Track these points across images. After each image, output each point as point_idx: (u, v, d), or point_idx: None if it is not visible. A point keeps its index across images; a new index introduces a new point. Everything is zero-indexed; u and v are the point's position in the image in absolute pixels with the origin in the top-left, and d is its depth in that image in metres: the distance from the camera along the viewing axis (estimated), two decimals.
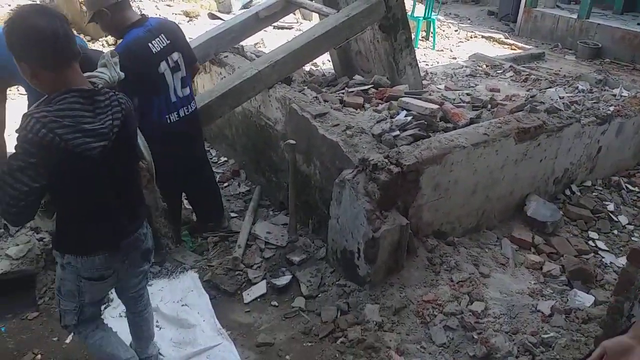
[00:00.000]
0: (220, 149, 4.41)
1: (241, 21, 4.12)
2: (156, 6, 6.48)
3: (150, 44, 2.60)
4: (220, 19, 6.25)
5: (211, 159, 4.31)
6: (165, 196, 2.99)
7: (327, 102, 3.55)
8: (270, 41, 5.46)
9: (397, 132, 3.06)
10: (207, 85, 4.29)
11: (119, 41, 2.66)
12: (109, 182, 1.77)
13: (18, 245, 2.87)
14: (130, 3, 2.72)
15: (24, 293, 2.77)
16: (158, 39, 2.63)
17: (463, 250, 2.97)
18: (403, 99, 3.48)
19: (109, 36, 5.36)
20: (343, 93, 3.89)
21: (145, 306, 2.24)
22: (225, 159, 4.28)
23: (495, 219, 3.30)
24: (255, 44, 5.24)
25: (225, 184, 3.93)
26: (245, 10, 5.20)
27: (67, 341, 2.50)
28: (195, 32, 5.15)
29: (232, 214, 3.51)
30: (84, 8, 5.34)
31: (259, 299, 2.79)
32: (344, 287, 2.77)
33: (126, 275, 2.04)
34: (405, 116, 3.25)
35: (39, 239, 2.95)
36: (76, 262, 1.82)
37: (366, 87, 3.96)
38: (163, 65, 2.67)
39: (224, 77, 3.90)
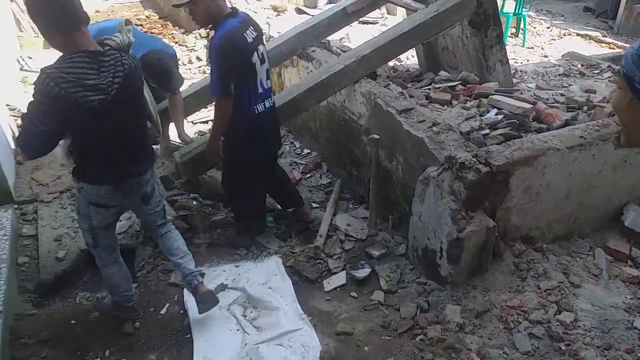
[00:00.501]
0: (304, 141, 4.51)
1: (329, 16, 4.17)
2: (246, 0, 6.72)
3: (245, 34, 2.67)
4: (307, 13, 6.36)
5: (295, 150, 4.43)
6: (250, 185, 3.04)
7: (413, 97, 3.51)
8: (355, 36, 5.48)
9: (487, 131, 2.97)
10: (294, 79, 4.40)
11: (211, 33, 2.75)
12: (111, 131, 2.09)
13: (121, 221, 3.10)
14: None
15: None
16: (249, 30, 2.71)
17: (552, 258, 2.84)
18: (493, 96, 3.36)
19: (202, 28, 5.59)
20: (429, 89, 3.83)
21: (168, 229, 2.56)
22: (309, 151, 4.37)
23: (589, 227, 3.12)
24: (341, 38, 5.27)
25: (308, 176, 4.03)
26: (332, 5, 5.25)
27: (163, 312, 2.70)
28: (283, 26, 5.29)
29: (314, 205, 3.60)
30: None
31: (338, 289, 2.85)
32: (424, 285, 2.76)
33: (134, 212, 2.55)
34: (496, 114, 3.14)
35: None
36: (87, 187, 2.20)
37: (453, 83, 3.87)
38: (255, 56, 2.73)
39: (311, 71, 3.99)
